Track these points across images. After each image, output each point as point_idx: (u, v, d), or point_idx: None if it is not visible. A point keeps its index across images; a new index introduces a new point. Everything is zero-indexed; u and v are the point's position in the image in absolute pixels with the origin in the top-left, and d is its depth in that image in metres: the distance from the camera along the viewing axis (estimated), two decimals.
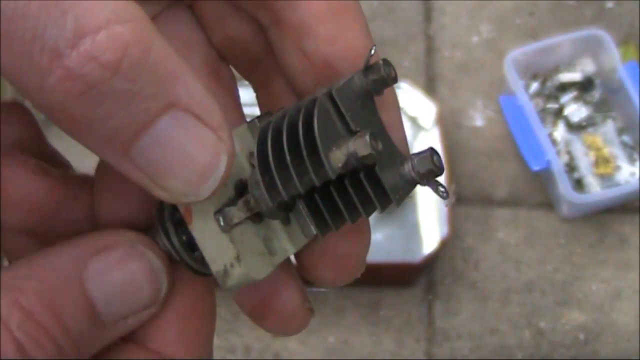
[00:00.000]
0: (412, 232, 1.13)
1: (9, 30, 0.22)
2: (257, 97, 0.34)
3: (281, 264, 0.31)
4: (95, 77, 0.22)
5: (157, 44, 0.24)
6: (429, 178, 0.28)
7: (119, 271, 0.28)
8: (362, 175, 0.27)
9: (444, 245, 1.12)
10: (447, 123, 1.24)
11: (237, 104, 0.34)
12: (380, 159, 0.27)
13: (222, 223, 0.28)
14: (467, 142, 1.28)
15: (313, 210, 0.29)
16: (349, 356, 1.16)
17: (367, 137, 0.26)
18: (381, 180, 0.27)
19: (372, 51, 0.28)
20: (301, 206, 0.29)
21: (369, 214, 0.29)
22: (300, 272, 0.32)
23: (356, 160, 0.26)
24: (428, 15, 1.37)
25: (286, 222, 0.30)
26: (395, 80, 0.29)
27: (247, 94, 0.36)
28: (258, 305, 0.32)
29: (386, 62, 0.29)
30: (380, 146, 0.26)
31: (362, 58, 0.28)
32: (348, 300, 1.18)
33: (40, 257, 0.27)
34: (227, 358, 1.13)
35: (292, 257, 0.32)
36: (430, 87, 1.30)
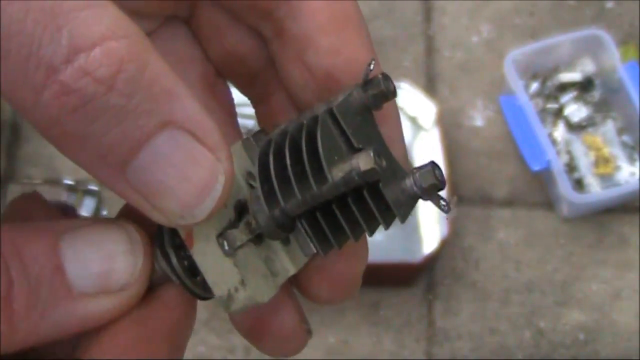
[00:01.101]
0: (412, 232, 1.13)
1: (4, 47, 0.22)
2: (256, 112, 0.34)
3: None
4: (89, 92, 0.22)
5: (153, 60, 0.23)
6: (431, 192, 0.28)
7: (95, 239, 0.27)
8: (365, 192, 0.27)
9: (444, 245, 1.12)
10: (447, 123, 1.24)
11: (233, 121, 0.34)
12: (384, 176, 0.27)
13: (226, 247, 0.27)
14: (467, 142, 1.28)
15: (315, 229, 0.28)
16: (349, 356, 1.16)
17: (371, 154, 0.26)
18: (384, 196, 0.27)
19: (372, 66, 0.28)
20: (301, 225, 0.28)
21: (372, 231, 0.28)
22: (296, 288, 0.32)
23: (360, 177, 0.26)
24: (428, 15, 1.37)
25: (286, 241, 0.30)
26: (394, 94, 0.29)
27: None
28: (255, 326, 0.31)
29: (385, 77, 0.28)
30: (384, 163, 0.26)
31: (362, 78, 0.28)
32: (349, 300, 1.18)
33: (24, 223, 0.27)
34: (227, 358, 1.13)
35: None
36: (430, 87, 1.30)
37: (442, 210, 0.28)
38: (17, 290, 0.25)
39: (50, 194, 1.20)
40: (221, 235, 0.28)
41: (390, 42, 1.34)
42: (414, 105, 1.19)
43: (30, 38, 0.22)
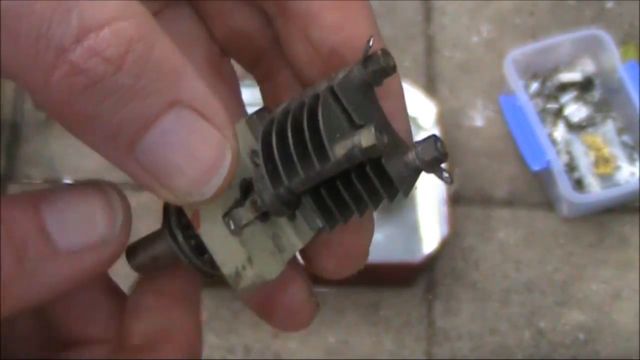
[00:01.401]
0: (412, 232, 1.13)
1: (14, 28, 0.22)
2: (261, 89, 0.34)
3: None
4: (99, 72, 0.22)
5: (160, 40, 0.24)
6: (433, 165, 0.28)
7: (74, 199, 0.27)
8: (368, 168, 0.27)
9: (444, 245, 1.12)
10: (447, 123, 1.24)
11: (238, 100, 0.34)
12: (385, 151, 0.27)
13: (232, 226, 0.28)
14: (467, 142, 1.28)
15: (319, 205, 0.29)
16: (349, 356, 1.16)
17: (372, 130, 0.26)
18: (387, 171, 0.27)
19: (371, 42, 0.28)
20: (306, 201, 0.29)
21: (376, 205, 0.29)
22: (305, 261, 0.32)
23: (362, 154, 0.26)
24: (428, 15, 1.37)
25: (292, 217, 0.30)
26: (394, 69, 0.29)
27: (247, 94, 0.36)
28: (264, 301, 0.32)
29: (384, 52, 0.28)
30: (385, 139, 0.26)
31: (361, 55, 0.28)
32: (348, 300, 1.18)
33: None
34: (227, 358, 1.13)
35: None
36: (430, 87, 1.30)
37: (445, 181, 0.28)
38: (3, 251, 0.25)
39: None
40: (227, 215, 0.28)
41: (390, 42, 1.33)
42: (414, 105, 1.19)
43: (40, 19, 0.22)
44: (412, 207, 1.15)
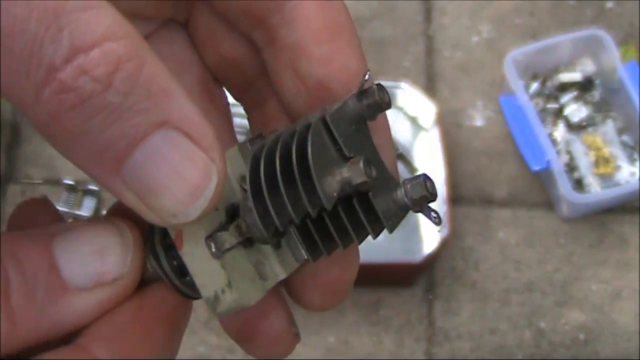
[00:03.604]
0: (412, 232, 1.13)
1: (7, 46, 0.22)
2: (249, 118, 0.34)
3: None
4: (87, 90, 0.23)
5: (150, 60, 0.24)
6: (422, 204, 0.28)
7: (86, 235, 0.27)
8: (355, 201, 0.27)
9: (444, 245, 1.12)
10: (447, 123, 1.24)
11: (229, 126, 0.34)
12: (373, 185, 0.27)
13: (213, 249, 0.28)
14: (467, 142, 1.28)
15: (304, 235, 0.28)
16: (349, 356, 1.16)
17: (362, 164, 0.26)
18: (374, 206, 0.27)
19: (367, 76, 0.28)
20: (293, 231, 0.28)
21: (361, 239, 0.29)
22: (288, 294, 0.32)
23: (350, 188, 0.26)
24: (428, 15, 1.37)
25: (277, 246, 0.30)
26: (389, 105, 0.29)
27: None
28: (243, 328, 0.32)
29: (380, 87, 0.28)
30: (374, 173, 0.26)
31: (356, 80, 0.28)
32: (348, 300, 1.18)
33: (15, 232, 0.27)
34: (227, 358, 1.13)
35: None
36: (430, 87, 1.31)
37: (433, 222, 0.28)
38: (13, 287, 0.25)
39: (50, 194, 1.20)
40: (210, 238, 0.28)
41: (390, 42, 1.34)
42: (414, 105, 1.19)
43: (33, 37, 0.22)
44: None
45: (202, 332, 1.13)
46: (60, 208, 1.17)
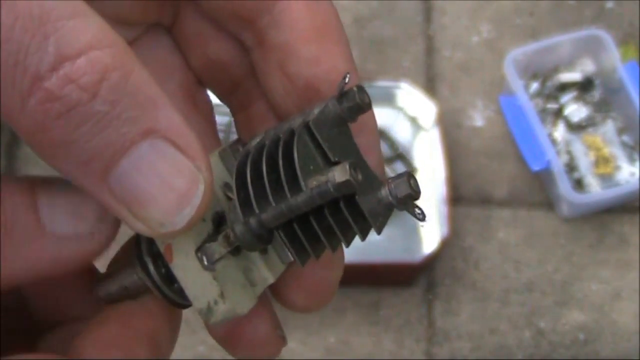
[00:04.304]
0: (412, 232, 1.13)
1: None
2: (235, 120, 0.34)
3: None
4: (73, 99, 0.23)
5: (136, 69, 0.24)
6: (407, 202, 0.28)
7: (71, 188, 0.27)
8: (341, 203, 0.27)
9: (444, 245, 1.12)
10: (447, 123, 1.24)
11: (213, 130, 0.34)
12: (359, 188, 0.27)
13: (205, 262, 0.28)
14: (467, 142, 1.28)
15: (292, 239, 0.28)
16: (349, 356, 1.16)
17: (347, 168, 0.26)
18: (360, 207, 0.27)
19: (347, 79, 0.28)
20: (279, 235, 0.28)
21: (349, 241, 0.29)
22: (274, 296, 0.32)
23: (335, 190, 0.26)
24: (428, 15, 1.37)
25: (264, 251, 0.30)
26: (369, 106, 0.29)
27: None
28: (229, 333, 0.32)
29: (360, 89, 0.28)
30: (359, 176, 0.26)
31: (336, 91, 0.28)
32: (348, 300, 1.18)
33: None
34: (227, 358, 1.13)
35: None
36: (430, 87, 1.30)
37: (417, 218, 0.28)
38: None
39: None
40: (200, 250, 0.28)
41: (390, 42, 1.34)
42: (414, 105, 1.19)
43: (18, 46, 0.22)
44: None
45: (202, 332, 1.13)
46: None
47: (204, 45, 0.32)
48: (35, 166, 1.24)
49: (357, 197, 0.27)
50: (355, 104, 0.28)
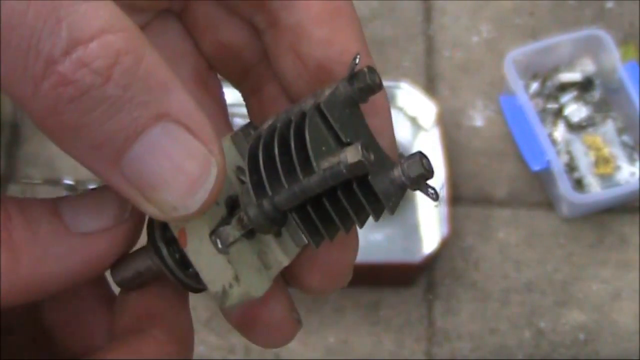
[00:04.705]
0: (412, 232, 1.13)
1: (5, 39, 0.22)
2: (247, 105, 0.34)
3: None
4: (87, 83, 0.23)
5: (148, 53, 0.24)
6: (419, 182, 0.28)
7: (87, 192, 0.28)
8: (354, 185, 0.27)
9: (444, 245, 1.12)
10: (447, 123, 1.24)
11: (224, 115, 0.35)
12: (371, 169, 0.27)
13: (219, 245, 0.28)
14: (467, 142, 1.28)
15: (305, 221, 0.28)
16: (349, 356, 1.16)
17: (359, 149, 0.26)
18: (372, 187, 0.27)
19: (357, 59, 0.28)
20: (293, 217, 0.28)
21: (362, 222, 0.29)
22: (288, 279, 0.32)
23: (348, 171, 0.26)
24: (428, 15, 1.37)
25: (277, 234, 0.30)
26: (380, 86, 0.29)
27: (233, 94, 0.36)
28: (244, 316, 0.31)
29: (370, 69, 0.29)
30: (372, 157, 0.26)
31: (347, 72, 0.28)
32: (348, 300, 1.18)
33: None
34: (227, 358, 1.13)
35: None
36: (430, 87, 1.30)
37: (431, 198, 0.28)
38: (16, 223, 0.26)
39: (50, 194, 1.20)
40: (214, 233, 0.28)
41: (390, 42, 1.34)
42: (414, 105, 1.19)
43: (31, 30, 0.22)
44: (412, 207, 1.15)
45: (202, 332, 1.13)
46: None
47: (214, 30, 0.32)
48: (36, 166, 1.24)
49: (369, 177, 0.27)
50: (365, 84, 0.28)
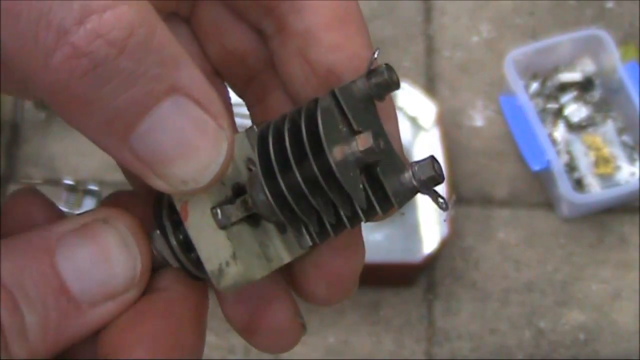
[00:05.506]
0: (412, 232, 1.13)
1: (14, 9, 0.21)
2: (251, 114, 0.34)
3: (273, 277, 0.30)
4: (101, 55, 0.22)
5: (160, 27, 0.23)
6: (429, 185, 0.28)
7: (89, 245, 0.27)
8: (363, 178, 0.27)
9: (444, 245, 1.12)
10: (447, 123, 1.24)
11: (232, 120, 0.34)
12: (382, 161, 0.27)
13: (219, 217, 0.27)
14: (467, 142, 1.27)
15: (310, 215, 0.28)
16: (349, 356, 1.16)
17: (370, 136, 0.26)
18: (383, 184, 0.27)
19: (376, 54, 0.28)
20: (297, 210, 0.28)
21: (369, 218, 0.28)
22: (293, 288, 0.32)
23: (359, 160, 0.26)
24: (428, 15, 1.37)
25: (283, 230, 0.29)
26: (398, 85, 0.29)
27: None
28: (248, 321, 0.31)
29: (389, 67, 0.28)
30: (382, 145, 0.26)
31: (366, 67, 0.28)
32: (348, 300, 1.18)
33: (15, 237, 0.27)
34: (227, 358, 1.13)
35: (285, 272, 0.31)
36: (430, 87, 1.30)
37: (440, 207, 0.28)
38: (29, 322, 0.25)
39: (50, 194, 1.20)
40: (216, 208, 0.28)
41: (390, 42, 1.34)
42: (414, 105, 1.19)
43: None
44: (412, 207, 1.15)
45: None
46: (60, 208, 1.17)
47: (221, 36, 0.32)
48: (36, 166, 1.24)
49: (379, 171, 0.27)
50: (383, 80, 0.28)
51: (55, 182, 1.21)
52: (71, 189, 1.19)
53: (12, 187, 1.23)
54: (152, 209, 0.29)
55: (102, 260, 0.27)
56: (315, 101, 0.27)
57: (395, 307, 1.19)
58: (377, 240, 1.12)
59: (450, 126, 1.26)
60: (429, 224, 1.14)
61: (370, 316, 1.18)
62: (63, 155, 1.23)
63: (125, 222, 0.28)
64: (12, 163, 1.25)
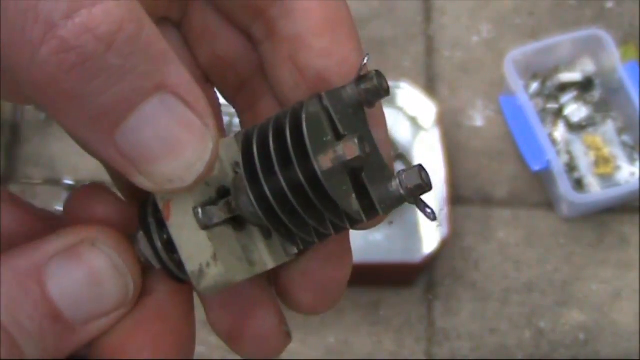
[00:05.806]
0: (412, 232, 1.13)
1: (1, 1, 0.21)
2: (241, 121, 0.33)
3: (259, 285, 0.30)
4: (89, 50, 0.22)
5: (148, 23, 0.23)
6: (416, 194, 0.27)
7: (79, 270, 0.27)
8: (349, 185, 0.27)
9: (444, 245, 1.12)
10: (447, 123, 1.24)
11: (221, 127, 0.34)
12: (368, 167, 0.27)
13: (201, 216, 0.27)
14: (467, 142, 1.27)
15: (295, 220, 0.28)
16: (349, 356, 1.16)
17: (355, 141, 0.26)
18: (369, 192, 0.27)
19: (366, 60, 0.28)
20: (282, 217, 0.28)
21: (352, 225, 0.28)
22: (279, 296, 0.31)
23: (344, 162, 0.26)
24: (428, 15, 1.37)
25: (268, 235, 0.29)
26: (387, 92, 0.28)
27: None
28: (233, 328, 0.31)
29: (378, 73, 0.28)
30: (368, 149, 0.26)
31: (355, 73, 0.28)
32: (348, 300, 1.18)
33: (4, 264, 0.26)
34: (227, 358, 1.13)
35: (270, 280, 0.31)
36: (430, 87, 1.30)
37: (428, 217, 0.28)
38: (28, 353, 0.25)
39: (50, 194, 1.20)
40: (198, 207, 0.27)
41: (390, 42, 1.34)
42: (414, 105, 1.19)
43: None
44: (412, 207, 1.15)
45: (202, 332, 1.13)
46: (60, 208, 1.17)
47: (212, 41, 0.32)
48: (36, 166, 1.24)
49: (364, 176, 0.27)
50: (373, 86, 0.28)
51: (55, 182, 1.21)
52: (71, 189, 1.19)
53: (12, 187, 1.23)
54: (137, 211, 0.29)
55: (93, 284, 0.27)
56: (301, 105, 0.27)
57: (395, 307, 1.19)
58: (377, 240, 1.12)
59: (450, 126, 1.26)
60: (429, 223, 1.14)
61: (370, 316, 1.18)
62: (63, 155, 1.23)
63: (112, 243, 0.28)
64: (12, 163, 1.25)
